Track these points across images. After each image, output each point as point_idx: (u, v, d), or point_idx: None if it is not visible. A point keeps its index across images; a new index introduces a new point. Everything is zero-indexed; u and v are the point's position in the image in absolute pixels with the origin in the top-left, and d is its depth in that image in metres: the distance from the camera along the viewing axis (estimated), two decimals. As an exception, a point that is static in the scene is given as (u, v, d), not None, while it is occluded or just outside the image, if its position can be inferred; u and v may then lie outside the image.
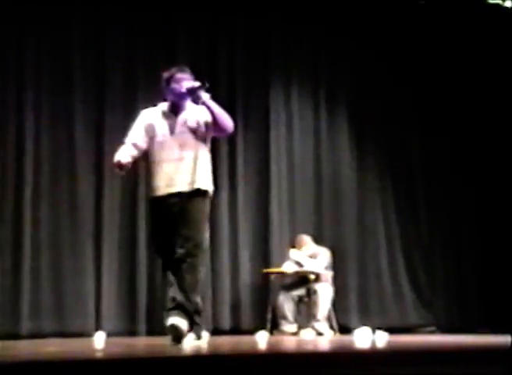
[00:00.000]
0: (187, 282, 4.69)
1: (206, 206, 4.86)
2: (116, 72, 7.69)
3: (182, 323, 4.64)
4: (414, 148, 9.25)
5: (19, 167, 7.15)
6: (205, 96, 4.79)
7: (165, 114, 4.89)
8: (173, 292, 4.71)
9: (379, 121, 9.06)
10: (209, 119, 4.85)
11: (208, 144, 4.96)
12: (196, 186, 4.81)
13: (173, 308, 4.69)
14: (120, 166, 4.75)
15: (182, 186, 4.79)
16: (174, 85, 4.83)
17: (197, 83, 4.80)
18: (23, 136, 7.20)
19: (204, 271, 4.93)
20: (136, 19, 7.86)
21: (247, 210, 8.13)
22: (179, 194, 4.79)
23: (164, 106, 4.94)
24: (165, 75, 4.90)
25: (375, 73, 9.03)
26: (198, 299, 4.79)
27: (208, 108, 4.80)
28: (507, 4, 8.57)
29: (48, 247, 7.17)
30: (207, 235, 4.89)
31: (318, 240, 8.00)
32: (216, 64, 8.20)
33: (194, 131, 4.85)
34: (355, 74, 8.94)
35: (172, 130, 4.84)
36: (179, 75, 4.85)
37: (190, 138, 4.84)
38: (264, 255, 8.11)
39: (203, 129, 4.88)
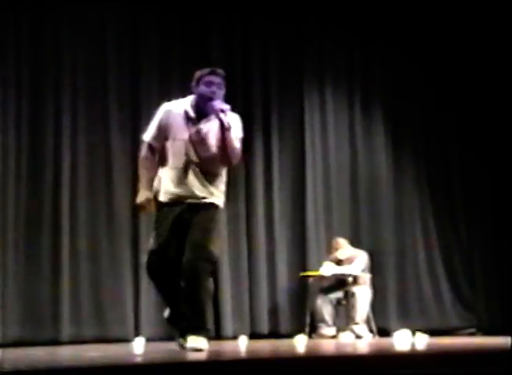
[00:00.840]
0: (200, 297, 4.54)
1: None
2: (151, 76, 7.74)
3: (202, 342, 4.42)
4: (452, 151, 9.14)
5: (56, 176, 7.23)
6: (226, 118, 4.51)
7: (187, 115, 4.60)
8: (184, 308, 4.55)
9: (416, 123, 8.98)
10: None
11: None
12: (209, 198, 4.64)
13: (189, 328, 4.50)
14: (144, 208, 4.58)
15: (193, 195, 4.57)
16: (203, 87, 4.57)
17: (226, 124, 4.50)
18: (60, 143, 7.29)
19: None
20: (172, 23, 7.91)
21: (283, 214, 8.12)
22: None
23: (188, 104, 4.63)
24: (197, 74, 4.66)
25: (411, 75, 8.96)
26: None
27: (224, 131, 4.50)
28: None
29: (86, 254, 7.24)
30: (217, 245, 4.67)
31: (355, 243, 7.96)
32: (250, 67, 8.22)
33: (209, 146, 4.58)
34: (390, 76, 8.88)
35: (190, 137, 4.57)
36: (209, 78, 4.58)
37: (204, 150, 4.57)
38: (301, 259, 8.10)
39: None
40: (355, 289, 7.53)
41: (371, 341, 7.05)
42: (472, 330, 8.61)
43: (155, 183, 4.61)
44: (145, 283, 7.31)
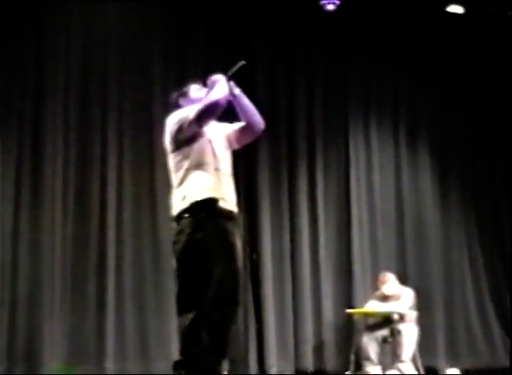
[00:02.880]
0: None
1: None
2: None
3: None
4: (499, 183, 9.03)
5: (101, 213, 7.23)
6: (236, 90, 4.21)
7: None
8: None
9: (462, 156, 8.90)
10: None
11: None
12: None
13: None
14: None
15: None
16: (194, 94, 4.32)
17: (239, 64, 4.21)
18: (106, 160, 7.32)
19: None
20: (217, 40, 7.93)
21: (328, 248, 8.06)
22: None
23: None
24: (183, 89, 4.37)
25: (457, 106, 8.91)
26: None
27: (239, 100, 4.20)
28: None
29: (131, 287, 7.25)
30: None
31: (402, 278, 7.85)
32: (294, 102, 8.22)
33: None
34: (436, 107, 8.84)
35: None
36: (196, 86, 4.34)
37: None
38: (347, 295, 8.01)
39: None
40: (401, 326, 7.41)
41: (418, 380, 6.92)
42: (524, 369, 8.40)
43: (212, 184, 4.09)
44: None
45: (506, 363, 8.40)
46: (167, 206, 7.29)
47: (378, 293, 7.68)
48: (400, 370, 7.22)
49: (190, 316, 3.93)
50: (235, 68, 4.17)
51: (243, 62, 4.16)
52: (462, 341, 8.38)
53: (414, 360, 7.44)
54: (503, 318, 8.67)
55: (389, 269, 7.87)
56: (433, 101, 8.83)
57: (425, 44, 8.70)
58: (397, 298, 7.56)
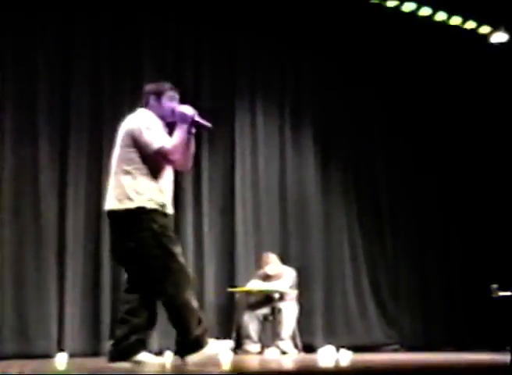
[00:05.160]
0: None
1: None
2: (82, 88, 7.63)
3: None
4: (380, 168, 9.33)
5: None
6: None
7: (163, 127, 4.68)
8: None
9: (344, 142, 9.13)
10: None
11: None
12: None
13: None
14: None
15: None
16: (166, 102, 4.68)
17: (208, 124, 4.69)
18: None
19: None
20: (103, 31, 7.81)
21: (212, 230, 8.11)
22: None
23: (153, 116, 4.67)
24: (157, 87, 4.75)
25: (341, 90, 9.11)
26: None
27: (189, 141, 4.63)
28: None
29: (10, 267, 7.05)
30: None
31: (284, 259, 8.00)
32: (182, 84, 8.16)
33: None
34: (321, 91, 9.02)
35: None
36: (172, 93, 4.74)
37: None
38: (229, 274, 8.09)
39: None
40: (282, 305, 7.57)
41: (296, 357, 7.08)
42: (396, 346, 8.76)
43: (156, 192, 4.54)
44: (70, 297, 7.19)
45: (381, 340, 8.74)
46: (49, 180, 7.23)
47: (260, 272, 7.80)
48: (279, 348, 7.38)
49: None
50: (203, 121, 4.65)
51: (210, 126, 4.69)
52: (339, 320, 8.64)
53: (293, 338, 7.62)
54: (379, 298, 9.01)
55: (272, 250, 8.00)
56: (318, 89, 9.00)
57: (311, 32, 8.84)
58: (279, 277, 7.70)
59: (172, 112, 4.63)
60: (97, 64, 7.74)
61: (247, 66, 8.64)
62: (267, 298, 7.69)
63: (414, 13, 8.74)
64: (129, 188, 4.48)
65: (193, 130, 4.62)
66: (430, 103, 9.55)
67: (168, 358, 6.57)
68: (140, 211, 4.45)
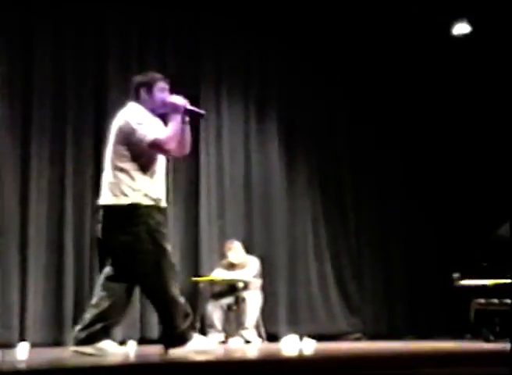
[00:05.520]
0: None
1: None
2: (45, 72, 7.53)
3: None
4: (344, 157, 9.37)
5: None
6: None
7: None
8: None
9: (309, 128, 9.15)
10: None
11: None
12: None
13: None
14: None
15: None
16: (157, 93, 4.72)
17: (201, 111, 4.85)
18: None
19: None
20: (66, 20, 7.72)
21: (176, 219, 8.07)
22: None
23: (143, 110, 4.71)
24: (147, 79, 4.78)
25: (306, 80, 9.11)
26: None
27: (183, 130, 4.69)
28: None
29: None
30: None
31: (248, 248, 8.01)
32: (146, 70, 8.07)
33: None
34: (286, 81, 9.00)
35: None
36: (163, 84, 4.77)
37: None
38: (193, 263, 8.08)
39: None
40: (246, 294, 7.58)
41: (260, 346, 7.11)
42: (359, 334, 8.84)
43: (151, 187, 4.61)
44: (32, 286, 7.12)
45: (345, 329, 8.81)
46: (10, 169, 7.13)
47: (224, 261, 7.80)
48: (243, 337, 7.39)
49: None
50: (196, 109, 4.76)
51: (204, 113, 4.87)
52: (303, 309, 8.68)
53: (257, 327, 7.64)
54: (342, 286, 9.07)
55: (236, 238, 8.00)
56: (283, 78, 9.00)
57: (277, 20, 8.81)
58: (243, 266, 7.72)
59: (164, 103, 4.67)
60: (59, 49, 7.64)
61: (212, 54, 8.58)
62: (231, 288, 7.70)
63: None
64: (125, 184, 4.56)
65: (187, 119, 4.68)
66: (395, 92, 9.60)
67: (132, 347, 6.56)
68: (137, 206, 4.53)
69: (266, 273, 7.97)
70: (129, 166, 4.58)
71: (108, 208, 4.60)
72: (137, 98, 4.74)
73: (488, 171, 9.27)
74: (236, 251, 7.79)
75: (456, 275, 8.01)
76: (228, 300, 7.68)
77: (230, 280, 7.62)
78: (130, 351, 6.05)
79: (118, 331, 7.30)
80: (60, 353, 4.71)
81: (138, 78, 4.82)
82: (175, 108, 4.62)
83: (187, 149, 4.83)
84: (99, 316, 4.54)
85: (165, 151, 4.64)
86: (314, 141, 9.17)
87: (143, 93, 4.72)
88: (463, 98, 9.59)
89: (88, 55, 7.77)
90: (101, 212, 4.67)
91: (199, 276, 7.84)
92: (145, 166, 4.60)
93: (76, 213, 7.45)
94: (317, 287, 8.86)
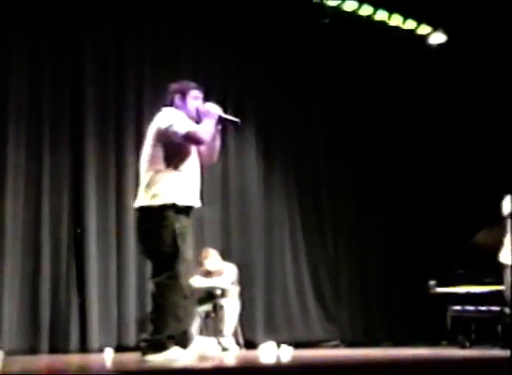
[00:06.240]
0: None
1: None
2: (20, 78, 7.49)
3: None
4: (320, 165, 9.42)
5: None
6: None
7: None
8: None
9: (287, 136, 9.18)
10: None
11: None
12: None
13: None
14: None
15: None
16: (190, 101, 4.87)
17: (235, 119, 4.97)
18: None
19: None
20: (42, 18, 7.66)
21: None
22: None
23: (177, 111, 4.87)
24: (181, 87, 4.93)
25: (283, 81, 9.14)
26: None
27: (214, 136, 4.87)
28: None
29: None
30: None
31: (225, 255, 8.00)
32: (123, 75, 8.09)
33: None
34: (263, 87, 9.03)
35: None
36: (196, 92, 4.91)
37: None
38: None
39: None
40: (224, 301, 7.57)
41: (238, 353, 7.10)
42: (336, 342, 8.86)
43: (170, 185, 4.69)
44: (8, 292, 7.04)
45: (322, 336, 8.82)
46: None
47: (201, 269, 7.78)
48: (220, 344, 7.37)
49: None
50: (230, 117, 4.98)
51: (238, 121, 4.98)
52: (280, 316, 8.69)
53: (235, 334, 7.62)
54: (319, 294, 9.09)
55: (213, 246, 7.99)
56: (260, 79, 9.00)
57: (252, 22, 8.81)
58: (220, 273, 7.70)
59: (197, 111, 4.84)
60: (36, 51, 7.58)
61: (189, 58, 8.56)
62: (209, 295, 7.67)
63: (355, 11, 8.82)
64: (158, 186, 4.66)
65: (219, 127, 4.86)
66: (371, 95, 9.67)
67: (109, 355, 6.53)
68: (167, 208, 4.64)
69: (243, 281, 7.96)
70: (162, 167, 4.69)
71: (141, 210, 4.71)
72: (172, 105, 4.89)
73: (466, 178, 9.37)
74: (211, 258, 7.78)
75: (432, 282, 8.06)
76: (206, 307, 7.65)
77: (208, 287, 7.61)
78: (107, 358, 6.01)
79: (94, 340, 7.28)
80: (35, 360, 4.66)
81: (173, 85, 4.97)
82: (209, 115, 4.77)
83: (215, 157, 5.00)
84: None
85: (199, 142, 4.75)
86: (292, 146, 9.19)
87: (177, 100, 4.88)
88: (441, 100, 9.70)
89: (65, 57, 7.68)
90: (136, 215, 4.81)
91: (176, 284, 7.80)
92: (179, 168, 4.71)
93: (52, 220, 7.39)
94: (294, 295, 8.88)
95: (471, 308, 7.70)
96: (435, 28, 9.16)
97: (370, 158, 9.66)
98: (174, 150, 4.70)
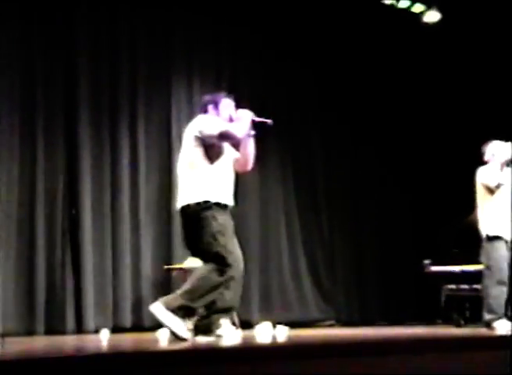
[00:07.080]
0: None
1: None
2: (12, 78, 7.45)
3: None
4: (316, 144, 9.41)
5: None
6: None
7: None
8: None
9: (282, 121, 9.14)
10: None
11: None
12: None
13: None
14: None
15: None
16: (223, 109, 5.18)
17: (268, 120, 5.17)
18: None
19: None
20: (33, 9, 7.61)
21: (149, 207, 8.05)
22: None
23: (211, 116, 5.18)
24: (213, 98, 5.25)
25: (278, 64, 9.11)
26: None
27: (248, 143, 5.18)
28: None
29: None
30: None
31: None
32: (117, 64, 8.06)
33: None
34: (257, 69, 9.00)
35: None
36: (228, 100, 5.24)
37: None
38: (166, 252, 8.06)
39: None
40: (219, 282, 7.56)
41: (234, 333, 7.10)
42: (332, 322, 8.90)
43: (219, 189, 5.07)
44: (3, 274, 7.04)
45: (317, 316, 8.86)
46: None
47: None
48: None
49: None
50: (262, 119, 5.17)
51: (271, 122, 5.16)
52: (276, 296, 8.72)
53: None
54: (315, 273, 9.11)
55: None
56: (254, 66, 8.98)
57: (247, 9, 8.77)
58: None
59: (230, 118, 5.12)
60: (29, 45, 7.53)
61: (183, 39, 8.51)
62: (204, 276, 7.67)
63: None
64: (194, 186, 5.00)
65: (252, 133, 5.14)
66: (366, 78, 9.65)
67: (105, 335, 6.54)
68: (203, 206, 4.96)
69: (239, 261, 7.97)
70: (198, 168, 5.01)
71: (182, 211, 5.05)
72: (205, 113, 5.23)
73: (461, 159, 9.36)
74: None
75: (426, 261, 8.09)
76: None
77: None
78: (103, 339, 6.03)
79: (90, 321, 7.30)
80: (32, 341, 4.66)
81: (205, 97, 5.35)
82: (242, 121, 5.06)
83: (250, 164, 5.29)
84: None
85: (234, 140, 5.06)
86: (288, 133, 9.17)
87: (211, 109, 5.21)
88: (434, 86, 9.67)
89: (58, 51, 7.64)
90: (180, 217, 5.13)
91: (172, 265, 7.82)
92: (215, 170, 5.02)
93: (47, 201, 7.38)
94: (289, 275, 8.90)
95: (466, 286, 7.73)
96: (430, 6, 9.11)
97: (366, 139, 9.66)
98: (211, 152, 5.00)
